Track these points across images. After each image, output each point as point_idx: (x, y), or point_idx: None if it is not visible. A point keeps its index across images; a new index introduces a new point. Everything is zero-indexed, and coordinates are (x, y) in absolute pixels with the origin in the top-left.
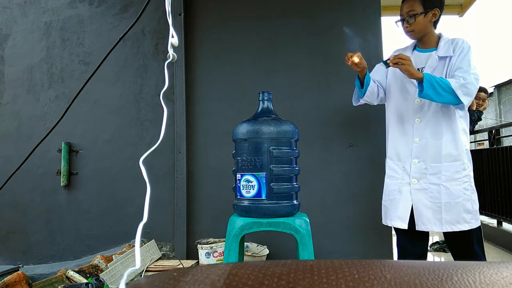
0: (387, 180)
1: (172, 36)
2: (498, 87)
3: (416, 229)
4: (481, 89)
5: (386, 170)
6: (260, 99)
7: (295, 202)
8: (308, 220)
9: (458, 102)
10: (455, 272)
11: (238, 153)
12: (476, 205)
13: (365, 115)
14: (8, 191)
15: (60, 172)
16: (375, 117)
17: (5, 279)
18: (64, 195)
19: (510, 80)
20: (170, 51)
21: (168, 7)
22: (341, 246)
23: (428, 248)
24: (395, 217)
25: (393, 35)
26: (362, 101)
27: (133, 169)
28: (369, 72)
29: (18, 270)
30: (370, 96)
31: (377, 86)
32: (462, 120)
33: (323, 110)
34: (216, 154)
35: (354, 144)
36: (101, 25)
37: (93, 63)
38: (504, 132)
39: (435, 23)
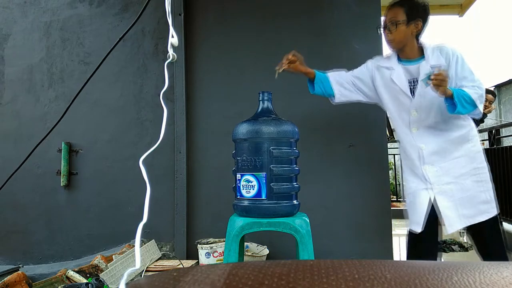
0: (405, 184)
1: (172, 36)
2: (498, 87)
3: (445, 233)
4: (489, 91)
5: (404, 175)
6: (260, 99)
7: (295, 202)
8: (308, 220)
9: (477, 112)
10: (455, 272)
11: (238, 153)
12: (491, 195)
13: (365, 115)
14: (8, 191)
15: (60, 172)
16: (375, 118)
17: (5, 279)
18: (64, 195)
19: (510, 80)
20: (170, 51)
21: (168, 7)
22: (341, 246)
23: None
24: (413, 222)
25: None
26: (338, 101)
27: (133, 169)
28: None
29: (18, 270)
30: (342, 99)
31: (352, 87)
32: (460, 116)
33: (323, 110)
34: (216, 154)
35: (354, 144)
36: (101, 25)
37: (93, 63)
38: (504, 132)
39: (417, 35)
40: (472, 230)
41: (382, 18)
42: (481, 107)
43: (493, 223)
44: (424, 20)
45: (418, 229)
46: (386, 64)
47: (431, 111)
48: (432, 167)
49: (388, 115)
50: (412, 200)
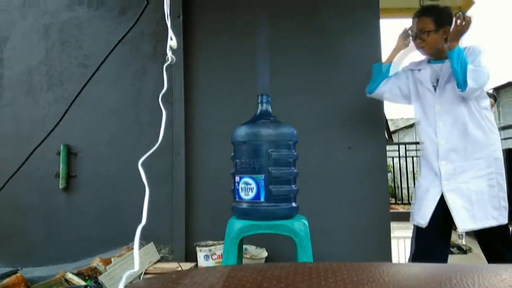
0: (419, 179)
1: (171, 39)
2: (497, 89)
3: (458, 231)
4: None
5: (421, 170)
6: (259, 101)
7: (293, 204)
8: (306, 223)
9: (463, 84)
10: (454, 275)
11: (237, 156)
12: (504, 202)
13: (364, 117)
14: (7, 193)
15: (59, 175)
16: (374, 119)
17: (4, 281)
18: (63, 198)
19: (509, 82)
20: (169, 54)
21: (166, 10)
22: (340, 248)
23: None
24: (418, 216)
25: (392, 37)
26: (375, 94)
27: (132, 172)
28: (390, 77)
29: (17, 272)
30: (382, 96)
31: (398, 91)
32: (487, 119)
33: (322, 111)
34: (214, 157)
35: (353, 146)
36: (100, 28)
37: (92, 65)
38: (503, 134)
39: (446, 39)
40: (481, 235)
41: (411, 28)
42: (470, 83)
43: (502, 231)
44: (450, 25)
45: (423, 222)
46: (416, 67)
47: (454, 103)
48: (450, 164)
49: (414, 113)
50: (422, 195)
